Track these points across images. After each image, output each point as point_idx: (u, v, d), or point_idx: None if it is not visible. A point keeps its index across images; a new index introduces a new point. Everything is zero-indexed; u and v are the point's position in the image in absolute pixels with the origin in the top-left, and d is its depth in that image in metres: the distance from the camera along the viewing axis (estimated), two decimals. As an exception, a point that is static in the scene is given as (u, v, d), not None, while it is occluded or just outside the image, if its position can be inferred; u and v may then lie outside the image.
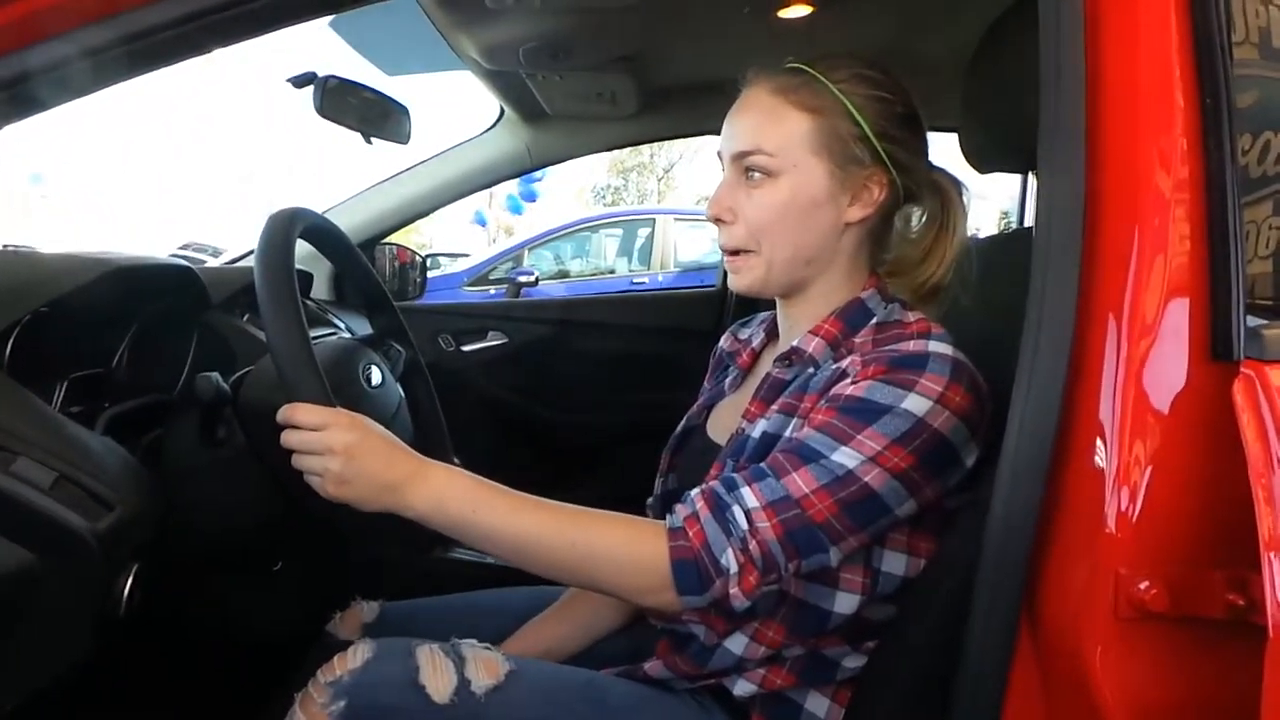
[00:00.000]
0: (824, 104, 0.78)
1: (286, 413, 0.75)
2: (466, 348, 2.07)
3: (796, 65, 0.81)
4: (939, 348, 0.73)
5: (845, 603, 0.76)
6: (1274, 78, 0.63)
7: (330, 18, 1.02)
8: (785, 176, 0.78)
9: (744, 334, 0.98)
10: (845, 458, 0.70)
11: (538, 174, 8.79)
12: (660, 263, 6.53)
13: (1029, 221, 1.41)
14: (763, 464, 0.73)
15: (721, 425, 0.90)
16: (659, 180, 17.64)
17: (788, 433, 0.76)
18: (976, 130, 0.92)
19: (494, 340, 2.08)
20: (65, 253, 0.98)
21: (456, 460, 1.15)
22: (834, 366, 0.78)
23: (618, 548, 0.72)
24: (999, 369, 0.67)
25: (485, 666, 0.78)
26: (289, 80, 1.35)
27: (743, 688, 0.80)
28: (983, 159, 0.93)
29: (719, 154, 0.83)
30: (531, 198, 10.72)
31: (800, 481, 0.70)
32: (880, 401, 0.70)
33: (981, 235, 1.15)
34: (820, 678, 0.79)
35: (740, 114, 0.81)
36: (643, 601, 0.74)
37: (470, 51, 1.52)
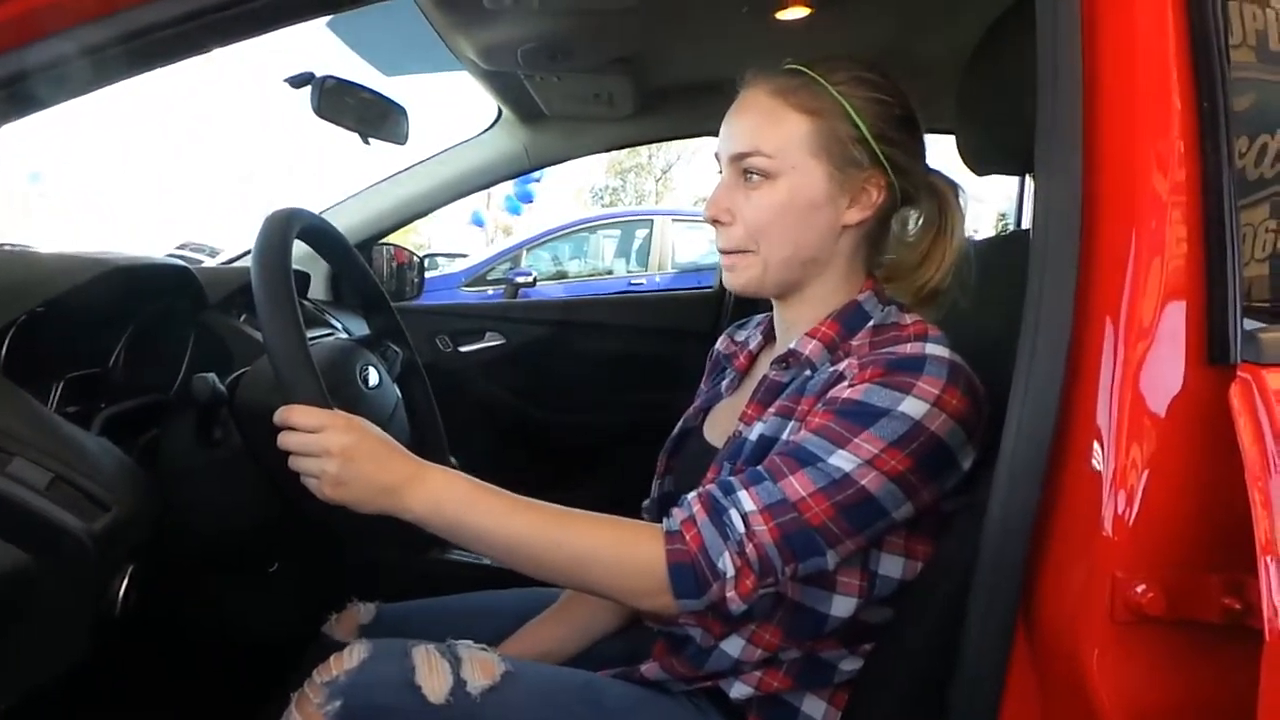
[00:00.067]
0: (823, 106, 0.78)
1: (283, 414, 0.75)
2: (464, 348, 2.07)
3: (795, 67, 0.80)
4: (936, 350, 0.73)
5: (842, 606, 0.76)
6: (1271, 81, 0.63)
7: (328, 18, 1.02)
8: (784, 178, 0.78)
9: (740, 336, 0.98)
10: (842, 461, 0.70)
11: (535, 175, 8.79)
12: (658, 264, 6.53)
13: (1026, 224, 1.41)
14: (760, 467, 0.73)
15: (718, 428, 0.90)
16: (657, 181, 17.65)
17: (785, 435, 0.76)
18: (974, 132, 0.92)
19: (492, 341, 2.08)
20: (62, 252, 0.98)
21: (454, 461, 1.15)
22: (831, 369, 0.78)
23: (614, 551, 0.72)
24: (996, 371, 0.68)
25: (481, 667, 0.78)
26: (287, 80, 1.35)
27: (739, 690, 0.80)
28: (980, 161, 0.93)
29: (717, 155, 0.83)
30: (528, 198, 10.71)
31: (797, 485, 0.70)
32: (877, 404, 0.70)
33: (979, 237, 1.15)
34: (817, 680, 0.79)
35: (739, 115, 0.81)
36: (639, 604, 0.74)
37: (468, 52, 1.52)
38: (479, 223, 11.48)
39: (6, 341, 0.82)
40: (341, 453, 0.72)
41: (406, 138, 1.53)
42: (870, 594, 0.77)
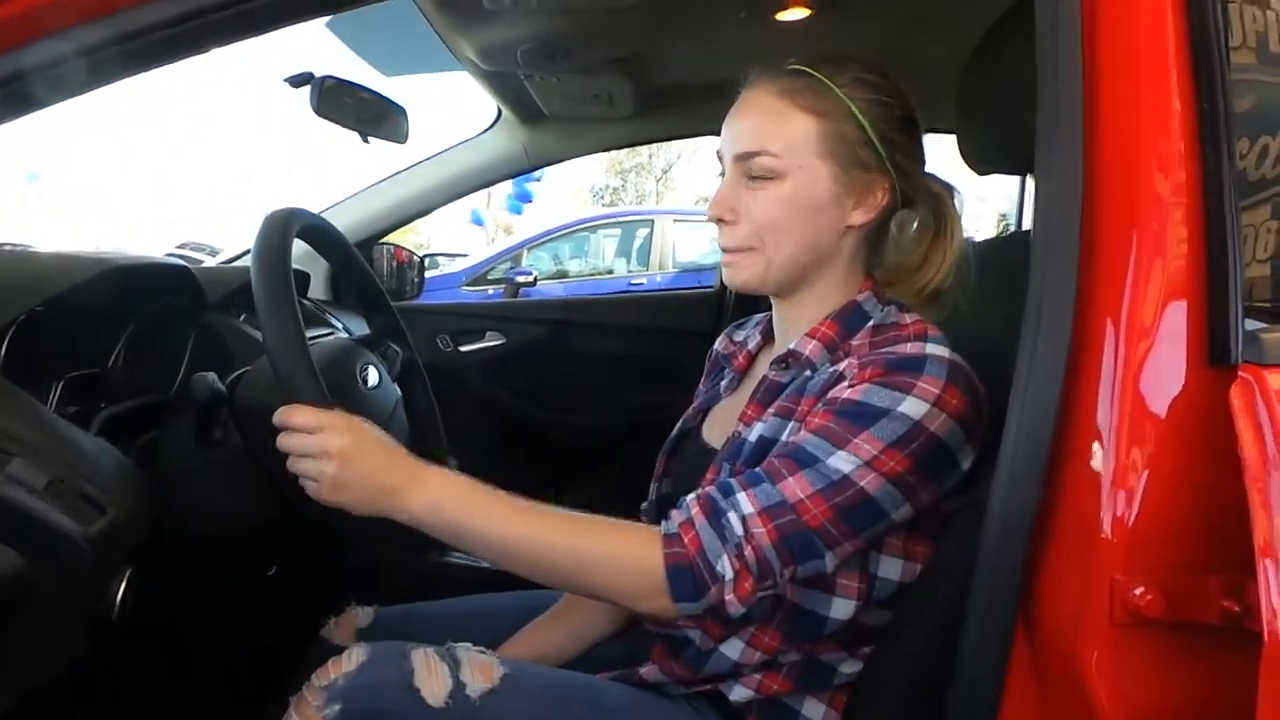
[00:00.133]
0: (829, 107, 0.78)
1: (283, 415, 0.74)
2: (464, 348, 2.06)
3: (799, 67, 0.80)
4: (936, 350, 0.73)
5: (841, 608, 0.76)
6: (1271, 82, 0.63)
7: (328, 18, 1.02)
8: (790, 178, 0.77)
9: (739, 336, 0.98)
10: (841, 462, 0.69)
11: (535, 174, 8.79)
12: (659, 263, 6.53)
13: (1028, 224, 1.41)
14: (759, 469, 0.73)
15: (717, 428, 0.90)
16: (657, 180, 17.64)
17: (784, 436, 0.76)
18: (974, 132, 0.92)
19: (492, 341, 2.08)
20: (61, 252, 0.98)
21: (454, 461, 1.15)
22: (831, 369, 0.78)
23: (613, 554, 0.72)
24: (996, 372, 0.67)
25: (480, 670, 0.77)
26: (286, 80, 1.35)
27: (739, 693, 0.79)
28: (981, 161, 0.93)
29: (718, 154, 0.83)
30: (526, 198, 10.69)
31: (796, 487, 0.70)
32: (877, 405, 0.70)
33: (980, 238, 1.15)
34: (816, 683, 0.79)
35: (744, 115, 0.81)
36: (637, 607, 0.74)
37: (468, 53, 1.52)
38: (479, 222, 11.47)
39: (6, 341, 0.82)
40: (340, 454, 0.72)
41: (406, 137, 1.53)
42: (869, 596, 0.76)
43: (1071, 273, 0.60)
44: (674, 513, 0.74)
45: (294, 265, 0.84)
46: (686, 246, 6.57)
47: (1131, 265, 0.59)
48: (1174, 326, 0.58)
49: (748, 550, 0.69)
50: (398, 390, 1.12)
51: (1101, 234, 0.60)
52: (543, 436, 2.07)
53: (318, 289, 1.82)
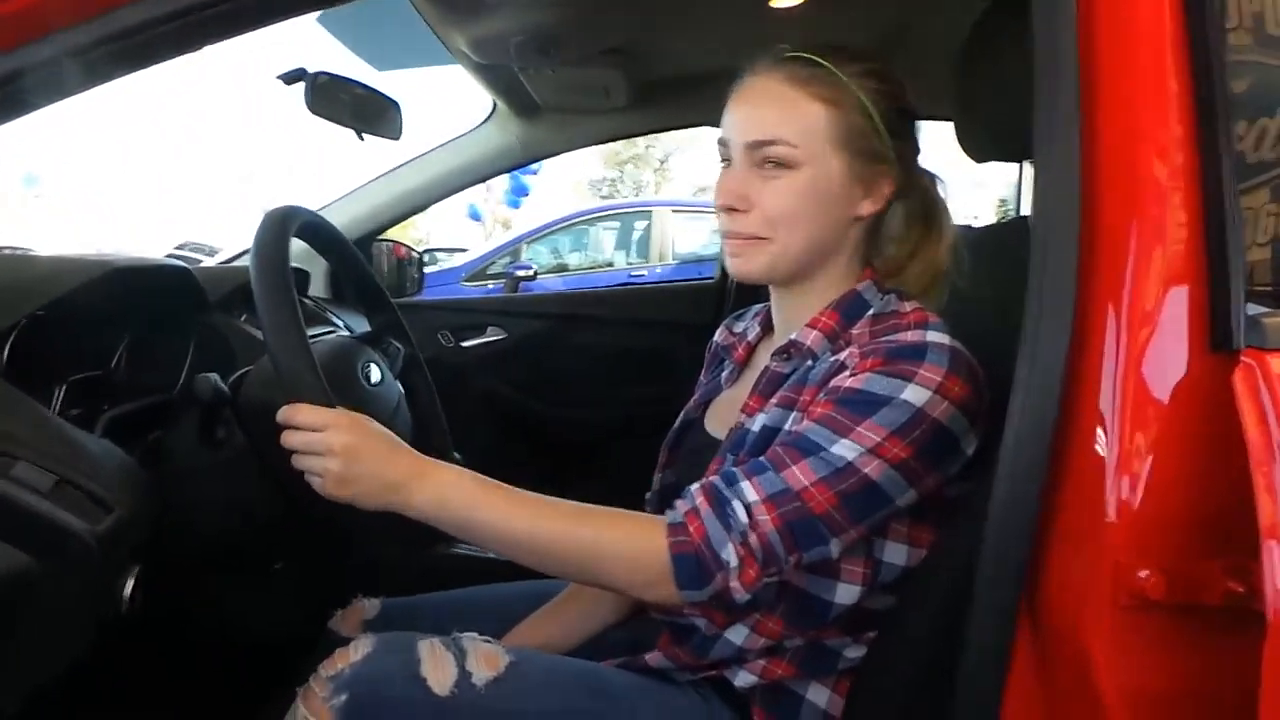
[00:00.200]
0: (840, 96, 0.77)
1: (286, 413, 0.75)
2: (465, 343, 2.07)
3: (805, 55, 0.79)
4: (937, 337, 0.73)
5: (846, 594, 0.76)
6: (1269, 64, 0.62)
7: (319, 13, 1.02)
8: (806, 167, 0.77)
9: (738, 327, 0.98)
10: (845, 450, 0.70)
11: (531, 168, 8.76)
12: (658, 255, 6.52)
13: (1026, 210, 1.41)
14: (762, 458, 0.73)
15: (720, 420, 0.90)
16: (655, 171, 17.58)
17: (787, 426, 0.76)
18: (972, 119, 0.92)
19: (493, 335, 2.08)
20: (61, 254, 0.98)
21: (457, 456, 1.15)
22: (832, 359, 0.78)
23: (618, 543, 0.72)
24: (998, 358, 0.67)
25: (486, 659, 0.78)
26: (279, 77, 1.35)
27: (743, 678, 0.80)
28: (979, 148, 0.93)
29: (721, 142, 0.81)
30: (523, 191, 10.64)
31: (800, 474, 0.70)
32: (879, 393, 0.70)
33: (979, 224, 1.15)
34: (821, 668, 0.80)
35: (753, 102, 0.79)
36: (643, 596, 0.74)
37: (461, 46, 1.51)
38: (476, 217, 11.42)
39: (9, 345, 0.82)
40: (345, 451, 0.72)
41: (400, 133, 1.52)
42: (874, 581, 0.77)
43: (1072, 260, 0.60)
44: (679, 502, 0.74)
45: (294, 264, 0.84)
46: (686, 238, 6.56)
47: (1132, 251, 0.59)
48: (1175, 312, 0.58)
49: (753, 538, 0.69)
50: (400, 387, 1.12)
51: (1101, 220, 0.60)
52: (545, 430, 2.07)
53: (318, 287, 1.82)
